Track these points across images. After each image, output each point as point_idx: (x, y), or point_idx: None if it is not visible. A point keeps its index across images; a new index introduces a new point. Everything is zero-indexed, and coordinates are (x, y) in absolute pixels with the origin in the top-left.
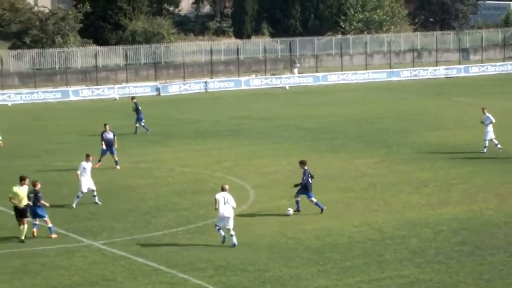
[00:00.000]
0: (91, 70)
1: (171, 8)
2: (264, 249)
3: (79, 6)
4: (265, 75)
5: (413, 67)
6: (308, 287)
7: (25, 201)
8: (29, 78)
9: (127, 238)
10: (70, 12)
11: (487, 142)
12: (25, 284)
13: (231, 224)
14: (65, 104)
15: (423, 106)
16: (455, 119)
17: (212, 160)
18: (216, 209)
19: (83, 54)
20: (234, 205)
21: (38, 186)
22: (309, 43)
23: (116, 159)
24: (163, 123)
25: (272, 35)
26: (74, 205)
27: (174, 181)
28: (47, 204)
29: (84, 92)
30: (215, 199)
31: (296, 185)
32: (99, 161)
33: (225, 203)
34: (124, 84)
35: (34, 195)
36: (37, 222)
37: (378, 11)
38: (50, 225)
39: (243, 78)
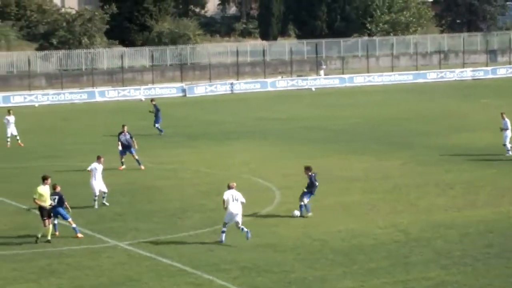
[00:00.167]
0: (117, 71)
1: (197, 9)
2: (289, 251)
3: (105, 7)
4: (291, 77)
5: (440, 69)
6: None
7: (49, 201)
8: (56, 79)
9: (152, 239)
10: (96, 13)
11: (508, 145)
12: (51, 284)
13: (239, 219)
14: (91, 105)
15: (449, 108)
16: (481, 121)
17: (237, 161)
18: (225, 208)
19: (109, 55)
20: (243, 200)
21: (58, 189)
22: (335, 45)
23: (137, 158)
24: (188, 124)
25: (298, 37)
26: (96, 206)
27: (200, 182)
28: (69, 209)
29: (110, 93)
30: (223, 200)
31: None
32: (122, 163)
33: (233, 201)
34: (150, 85)
35: (58, 198)
36: (56, 222)
37: (404, 12)
38: (74, 225)
39: (269, 80)
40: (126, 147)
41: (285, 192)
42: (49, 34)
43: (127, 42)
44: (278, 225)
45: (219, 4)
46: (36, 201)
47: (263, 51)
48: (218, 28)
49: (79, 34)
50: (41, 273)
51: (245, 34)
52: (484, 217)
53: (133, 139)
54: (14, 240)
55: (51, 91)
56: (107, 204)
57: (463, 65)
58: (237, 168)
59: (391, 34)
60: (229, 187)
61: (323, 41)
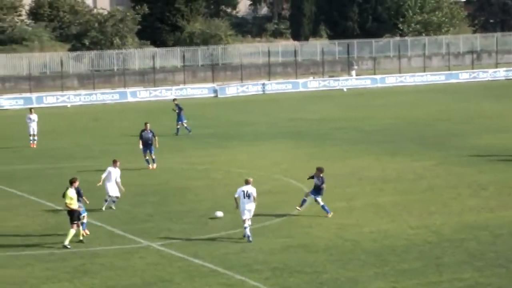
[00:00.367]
0: (148, 71)
1: (229, 10)
2: (321, 251)
3: (137, 7)
4: (323, 77)
5: (473, 69)
6: None
7: (77, 204)
8: (88, 80)
9: (184, 239)
10: (128, 14)
11: None
12: (84, 284)
13: (250, 216)
14: (123, 105)
15: (482, 109)
16: None
17: (269, 162)
18: (237, 208)
19: (141, 56)
20: (255, 195)
21: (77, 183)
22: (367, 45)
23: (154, 157)
24: (220, 124)
25: (330, 37)
26: (103, 208)
27: (231, 183)
28: (87, 201)
29: (142, 94)
30: (235, 198)
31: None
32: (147, 162)
33: (244, 197)
34: (181, 86)
35: (76, 192)
36: (85, 220)
37: (436, 12)
38: (84, 220)
39: (300, 80)
40: (147, 145)
41: None
42: (81, 35)
43: (158, 42)
44: (310, 225)
45: (250, 5)
46: (68, 205)
47: (295, 51)
48: (249, 28)
49: (110, 34)
50: (74, 272)
51: (277, 34)
52: None
53: (156, 137)
54: (48, 239)
55: (83, 92)
56: (113, 208)
57: (496, 65)
58: (269, 169)
59: (423, 34)
60: (247, 182)
61: (355, 41)
